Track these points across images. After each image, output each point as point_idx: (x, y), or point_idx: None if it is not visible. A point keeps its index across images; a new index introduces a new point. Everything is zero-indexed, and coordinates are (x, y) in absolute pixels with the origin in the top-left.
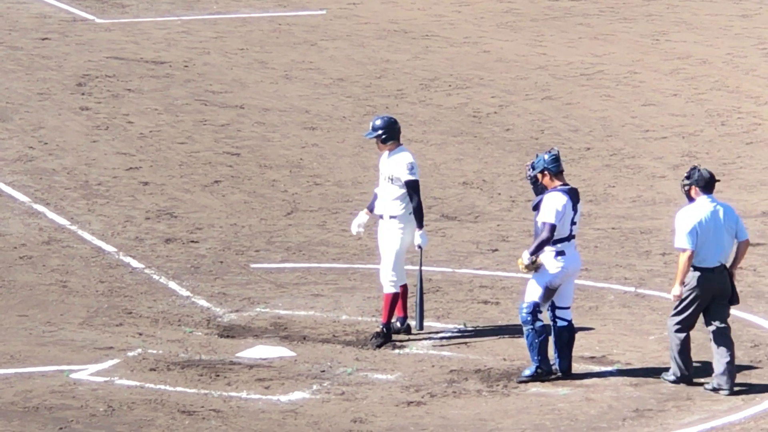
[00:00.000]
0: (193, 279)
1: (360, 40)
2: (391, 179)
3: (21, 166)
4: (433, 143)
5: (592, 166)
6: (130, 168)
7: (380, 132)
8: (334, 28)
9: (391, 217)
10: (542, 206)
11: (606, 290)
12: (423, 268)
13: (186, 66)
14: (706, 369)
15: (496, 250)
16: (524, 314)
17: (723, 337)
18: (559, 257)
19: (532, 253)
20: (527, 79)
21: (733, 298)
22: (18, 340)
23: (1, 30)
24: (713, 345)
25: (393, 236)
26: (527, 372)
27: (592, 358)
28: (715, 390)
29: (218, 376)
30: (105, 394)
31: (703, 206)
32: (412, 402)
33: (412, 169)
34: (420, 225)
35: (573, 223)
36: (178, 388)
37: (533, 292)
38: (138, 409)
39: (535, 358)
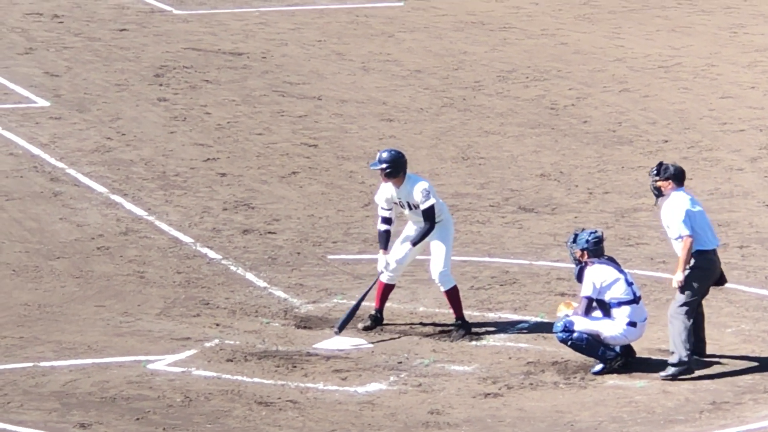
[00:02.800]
0: (270, 270)
1: (437, 32)
2: (416, 206)
3: (99, 156)
4: (510, 135)
5: (670, 158)
6: (208, 159)
7: (385, 166)
8: (411, 20)
9: (436, 222)
10: (584, 279)
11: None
12: (499, 259)
13: (264, 57)
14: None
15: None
16: (559, 334)
17: (702, 317)
18: (630, 327)
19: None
20: (605, 72)
21: (722, 279)
22: (95, 330)
23: (79, 21)
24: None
25: (444, 235)
26: (598, 368)
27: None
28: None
29: (295, 367)
30: (182, 384)
31: (682, 197)
32: (489, 394)
33: (427, 195)
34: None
35: (630, 283)
36: (255, 379)
37: (580, 323)
38: (215, 399)
39: (598, 354)
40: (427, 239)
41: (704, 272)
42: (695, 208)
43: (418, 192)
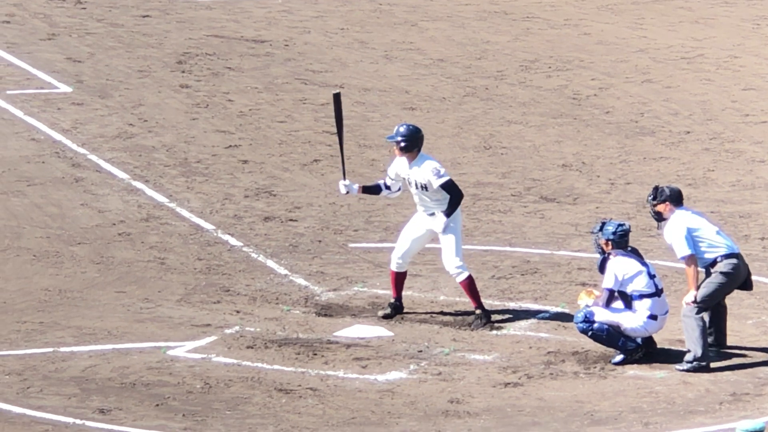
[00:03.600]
0: (292, 258)
1: (460, 21)
2: (423, 187)
3: (121, 143)
4: (532, 125)
5: (692, 149)
6: (230, 146)
7: (400, 140)
8: (434, 9)
9: (442, 212)
10: (606, 270)
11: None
12: (520, 249)
13: (286, 45)
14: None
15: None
16: (580, 325)
17: (725, 308)
18: (650, 320)
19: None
20: (627, 62)
21: (748, 284)
22: (116, 316)
23: (102, 7)
24: (710, 323)
25: (451, 227)
26: (618, 358)
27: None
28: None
29: (315, 354)
30: (202, 371)
31: (682, 216)
32: (509, 383)
33: (438, 172)
34: (448, 212)
35: (652, 276)
36: (275, 366)
37: (601, 314)
38: (235, 386)
39: (618, 344)
40: (435, 228)
41: (727, 277)
42: (698, 222)
43: (428, 170)
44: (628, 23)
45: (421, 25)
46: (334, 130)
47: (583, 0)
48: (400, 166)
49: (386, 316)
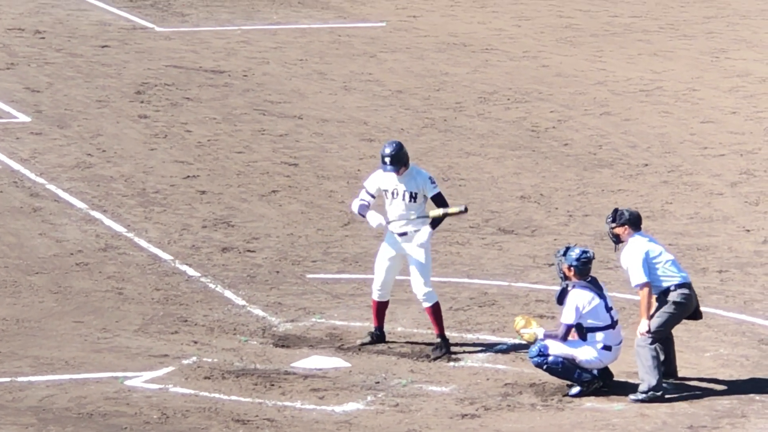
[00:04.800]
0: (249, 288)
1: (419, 53)
2: (412, 197)
3: (79, 172)
4: (491, 157)
5: (650, 182)
6: (188, 176)
7: (391, 161)
8: (393, 41)
9: (415, 231)
10: (567, 304)
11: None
12: (478, 281)
13: (245, 75)
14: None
15: (553, 264)
16: (534, 359)
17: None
18: (604, 351)
19: (546, 336)
20: (586, 95)
21: (698, 314)
22: (73, 346)
23: (61, 37)
24: (661, 352)
25: (424, 250)
26: (574, 390)
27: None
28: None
29: (273, 385)
30: (159, 401)
31: (639, 242)
32: (466, 415)
33: (433, 181)
34: (434, 225)
35: (609, 309)
36: (233, 397)
37: (555, 347)
38: (192, 417)
39: (574, 377)
40: (405, 252)
41: (680, 307)
42: (655, 249)
43: (425, 179)
44: (586, 56)
45: (380, 56)
46: (292, 161)
47: (542, 32)
48: (384, 180)
49: (364, 344)
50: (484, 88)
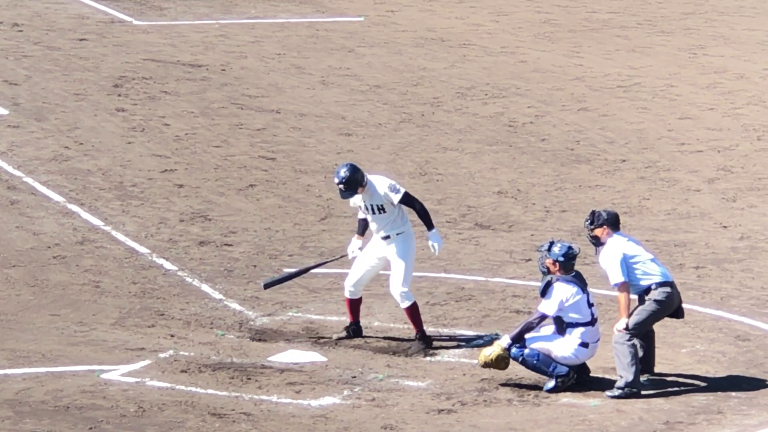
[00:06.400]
0: (226, 282)
1: (397, 48)
2: (380, 209)
3: (56, 165)
4: (468, 152)
5: (627, 178)
6: (165, 170)
7: (344, 187)
8: (371, 35)
9: (397, 234)
10: (550, 295)
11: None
12: (455, 276)
13: (223, 69)
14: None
15: (530, 259)
16: (512, 351)
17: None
18: (581, 348)
19: (513, 339)
20: (564, 90)
21: (680, 312)
22: (50, 339)
23: (39, 30)
24: (640, 348)
25: (404, 252)
26: (550, 385)
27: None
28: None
29: (249, 379)
30: (136, 394)
31: (618, 242)
32: (442, 410)
33: (394, 188)
34: (430, 226)
35: (590, 305)
36: (209, 391)
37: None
38: (168, 410)
39: (549, 371)
40: (388, 255)
41: (660, 305)
42: (633, 249)
43: (384, 189)
44: (564, 51)
45: (358, 51)
46: (270, 155)
47: (519, 28)
48: (353, 198)
49: (340, 338)
50: (462, 84)
